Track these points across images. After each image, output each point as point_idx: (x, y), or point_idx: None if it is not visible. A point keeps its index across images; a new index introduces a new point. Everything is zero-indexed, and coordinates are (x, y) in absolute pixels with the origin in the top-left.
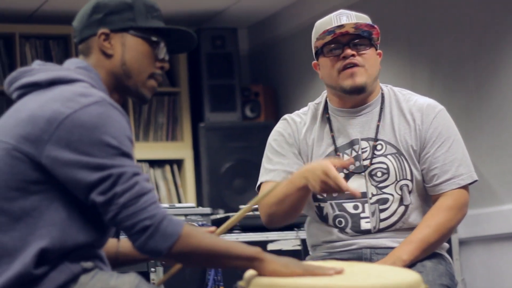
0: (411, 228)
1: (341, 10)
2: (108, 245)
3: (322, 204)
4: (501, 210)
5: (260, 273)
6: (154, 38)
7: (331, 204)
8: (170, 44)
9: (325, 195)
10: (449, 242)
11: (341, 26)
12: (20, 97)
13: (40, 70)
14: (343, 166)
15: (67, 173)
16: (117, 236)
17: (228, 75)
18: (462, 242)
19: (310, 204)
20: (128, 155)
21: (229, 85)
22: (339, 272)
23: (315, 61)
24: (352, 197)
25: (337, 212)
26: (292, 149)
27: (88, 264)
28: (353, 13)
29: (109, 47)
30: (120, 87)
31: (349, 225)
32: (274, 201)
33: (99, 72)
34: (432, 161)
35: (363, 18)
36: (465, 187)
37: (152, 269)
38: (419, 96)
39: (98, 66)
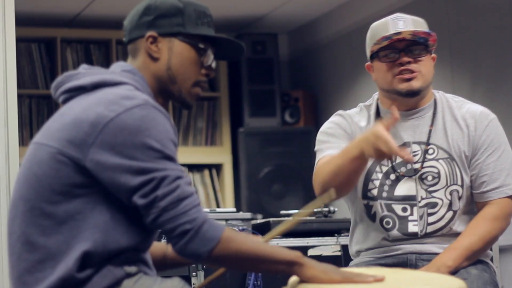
0: (456, 234)
1: (397, 14)
2: (156, 248)
3: (371, 203)
4: None
5: (300, 278)
6: (201, 45)
7: (380, 204)
8: (217, 51)
9: (380, 171)
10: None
11: (398, 33)
12: (66, 101)
13: (85, 74)
14: (394, 120)
15: (110, 176)
16: (159, 239)
17: (268, 80)
18: (502, 250)
19: (358, 202)
20: (171, 158)
21: (269, 90)
22: (379, 280)
23: (368, 63)
24: (401, 199)
25: (386, 213)
26: (347, 135)
27: (131, 269)
28: (409, 17)
29: (155, 51)
30: (164, 91)
31: (396, 226)
32: (329, 172)
33: (145, 75)
34: (482, 168)
35: (419, 23)
36: (510, 197)
37: (194, 274)
38: (472, 103)
39: (143, 69)
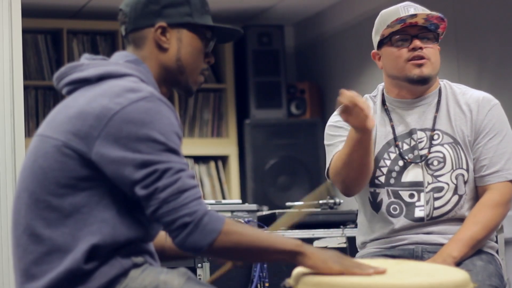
0: (461, 219)
1: (407, 2)
2: (156, 238)
3: (378, 190)
4: None
5: (302, 266)
6: (208, 35)
7: (387, 191)
8: (216, 38)
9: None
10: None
11: (414, 15)
12: (69, 92)
13: (89, 65)
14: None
15: (114, 169)
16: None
17: (274, 72)
18: (508, 242)
19: (364, 191)
20: (175, 151)
21: (275, 82)
22: (379, 272)
23: (374, 51)
24: (408, 185)
25: (392, 199)
26: None
27: (138, 259)
28: (419, 6)
29: (165, 41)
30: (170, 81)
31: (404, 213)
32: (342, 166)
33: (150, 65)
34: (482, 152)
35: (428, 11)
36: (510, 182)
37: (199, 265)
38: (475, 90)
39: (150, 59)
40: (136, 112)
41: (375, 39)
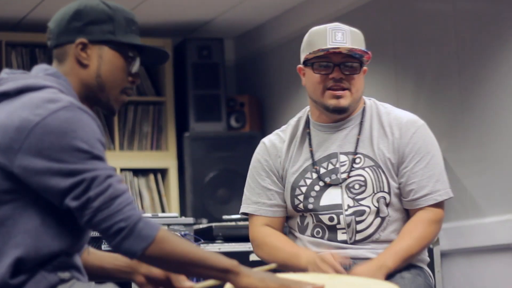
0: (387, 241)
1: (336, 24)
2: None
3: (305, 214)
4: (483, 222)
5: (235, 286)
6: (130, 54)
7: (311, 215)
8: (142, 58)
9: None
10: (431, 253)
11: (336, 49)
12: None
13: (8, 79)
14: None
15: (40, 181)
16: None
17: (213, 85)
18: (444, 254)
19: (293, 215)
20: (100, 158)
21: (214, 95)
22: (317, 287)
23: (300, 66)
24: (327, 209)
25: (316, 223)
26: (271, 176)
27: (65, 275)
28: (348, 29)
29: (85, 57)
30: (91, 98)
31: (326, 235)
32: (268, 257)
33: (71, 80)
34: (410, 176)
35: (357, 35)
36: (441, 203)
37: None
38: (401, 111)
39: (71, 74)
40: (57, 122)
41: (302, 55)
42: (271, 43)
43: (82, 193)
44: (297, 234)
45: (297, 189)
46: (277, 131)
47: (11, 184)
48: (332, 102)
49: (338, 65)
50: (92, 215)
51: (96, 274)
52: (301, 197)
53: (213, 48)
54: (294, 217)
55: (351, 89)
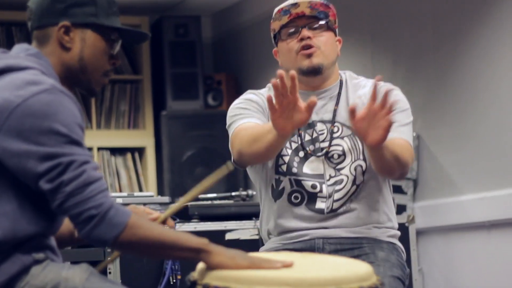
0: (354, 211)
1: None
2: (63, 226)
3: (281, 178)
4: (459, 200)
5: (207, 265)
6: (113, 37)
7: (289, 180)
8: (123, 39)
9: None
10: (406, 231)
11: (295, 4)
12: None
13: None
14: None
15: (17, 162)
16: None
17: (190, 64)
18: (420, 232)
19: (270, 176)
20: (78, 143)
21: (191, 73)
22: (287, 265)
23: (275, 49)
24: (311, 176)
25: (295, 187)
26: (260, 109)
27: (39, 256)
28: None
29: (68, 40)
30: (72, 80)
31: (305, 201)
32: (248, 139)
33: (52, 61)
34: None
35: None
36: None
37: (109, 258)
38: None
39: (52, 56)
40: (38, 105)
41: (272, 35)
42: (248, 20)
43: (56, 177)
44: (266, 202)
45: (284, 149)
46: (256, 91)
47: None
48: (305, 63)
49: (303, 27)
50: (63, 199)
51: (65, 240)
52: (286, 158)
53: (190, 26)
54: (269, 180)
55: (320, 47)
